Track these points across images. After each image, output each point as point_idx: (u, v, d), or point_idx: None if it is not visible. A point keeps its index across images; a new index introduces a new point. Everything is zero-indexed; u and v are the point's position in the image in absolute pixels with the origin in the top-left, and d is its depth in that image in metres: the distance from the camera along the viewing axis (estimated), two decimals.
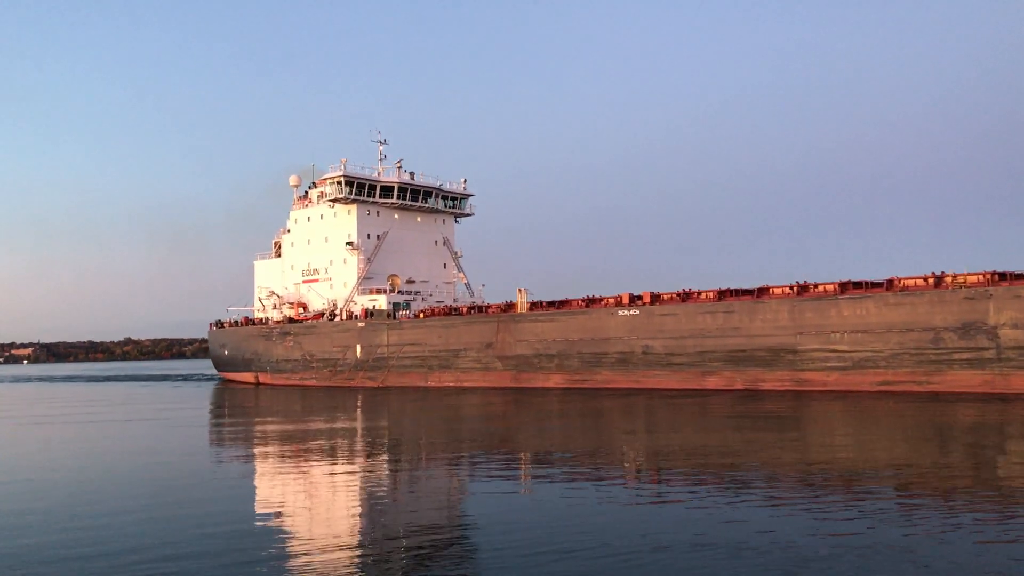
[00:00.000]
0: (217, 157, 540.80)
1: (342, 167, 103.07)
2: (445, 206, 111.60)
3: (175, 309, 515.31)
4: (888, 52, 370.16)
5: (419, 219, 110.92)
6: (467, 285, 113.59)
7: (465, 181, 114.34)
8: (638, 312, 74.83)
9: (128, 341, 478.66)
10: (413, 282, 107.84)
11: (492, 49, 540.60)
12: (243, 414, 63.01)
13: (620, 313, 75.98)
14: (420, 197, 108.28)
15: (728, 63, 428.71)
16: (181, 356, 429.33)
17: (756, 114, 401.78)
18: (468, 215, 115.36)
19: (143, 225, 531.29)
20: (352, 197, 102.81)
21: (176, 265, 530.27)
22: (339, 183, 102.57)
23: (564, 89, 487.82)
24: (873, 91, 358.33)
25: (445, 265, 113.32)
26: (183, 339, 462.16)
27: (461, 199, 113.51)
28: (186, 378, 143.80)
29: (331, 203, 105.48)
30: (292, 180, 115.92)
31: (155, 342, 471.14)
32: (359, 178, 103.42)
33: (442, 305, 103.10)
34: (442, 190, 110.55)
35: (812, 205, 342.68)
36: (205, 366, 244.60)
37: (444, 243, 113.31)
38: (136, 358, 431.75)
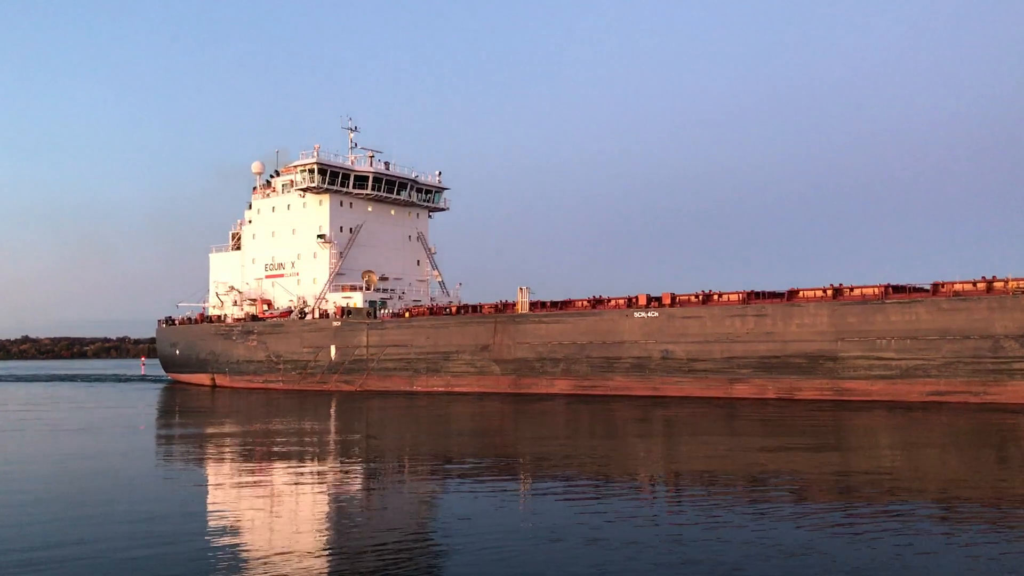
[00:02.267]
0: (138, 149, 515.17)
1: (315, 154, 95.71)
2: (419, 200, 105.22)
3: (79, 308, 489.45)
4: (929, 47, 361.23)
5: (393, 212, 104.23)
6: (442, 284, 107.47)
7: (440, 174, 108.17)
8: (657, 314, 70.35)
9: (26, 339, 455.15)
10: (387, 279, 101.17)
11: (479, 35, 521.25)
12: (207, 423, 55.84)
13: (636, 315, 71.36)
14: (395, 189, 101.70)
15: (731, 63, 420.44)
16: (82, 356, 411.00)
17: (747, 118, 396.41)
18: (443, 210, 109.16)
19: (49, 222, 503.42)
20: (325, 187, 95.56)
21: (82, 262, 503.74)
22: (311, 171, 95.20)
23: (543, 83, 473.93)
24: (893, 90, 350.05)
25: (419, 262, 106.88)
26: (84, 338, 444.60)
27: (436, 193, 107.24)
28: (116, 379, 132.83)
29: (301, 192, 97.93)
30: (255, 167, 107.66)
31: (55, 341, 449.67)
32: (333, 166, 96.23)
33: (421, 304, 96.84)
34: (417, 182, 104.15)
35: (803, 208, 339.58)
36: (111, 366, 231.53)
37: (418, 239, 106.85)
38: (33, 357, 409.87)
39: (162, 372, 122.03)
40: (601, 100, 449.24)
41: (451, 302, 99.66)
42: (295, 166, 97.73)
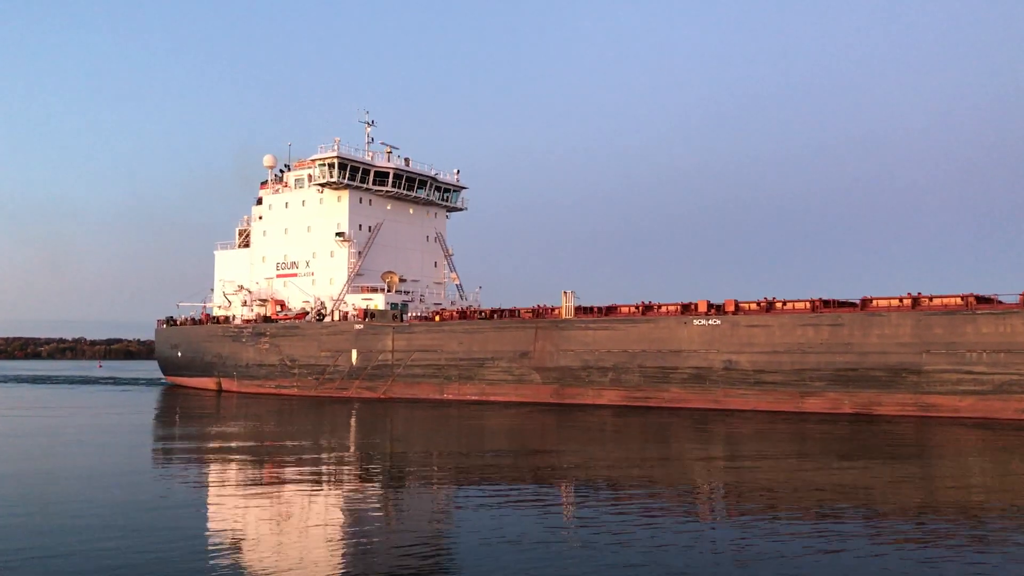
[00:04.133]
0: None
1: (335, 147, 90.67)
2: (438, 199, 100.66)
3: (34, 308, 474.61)
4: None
5: (411, 211, 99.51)
6: (459, 287, 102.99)
7: (458, 172, 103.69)
8: (719, 322, 66.74)
9: None
10: (404, 280, 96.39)
11: (494, 35, 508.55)
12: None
13: (696, 323, 67.69)
14: (415, 187, 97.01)
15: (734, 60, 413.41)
16: (36, 356, 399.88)
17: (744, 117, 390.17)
18: (460, 209, 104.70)
19: (9, 221, 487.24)
20: (345, 182, 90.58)
21: (40, 262, 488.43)
22: (330, 165, 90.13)
23: (549, 88, 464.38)
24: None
25: (436, 264, 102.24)
26: (39, 339, 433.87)
27: (454, 192, 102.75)
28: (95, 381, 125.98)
29: (319, 187, 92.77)
30: (267, 160, 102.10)
31: (8, 341, 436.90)
32: (353, 161, 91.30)
33: (443, 308, 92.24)
34: (437, 180, 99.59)
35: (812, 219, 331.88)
36: (68, 367, 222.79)
37: (436, 239, 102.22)
38: None
39: (159, 375, 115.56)
40: (608, 99, 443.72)
41: (471, 306, 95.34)
42: (313, 160, 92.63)
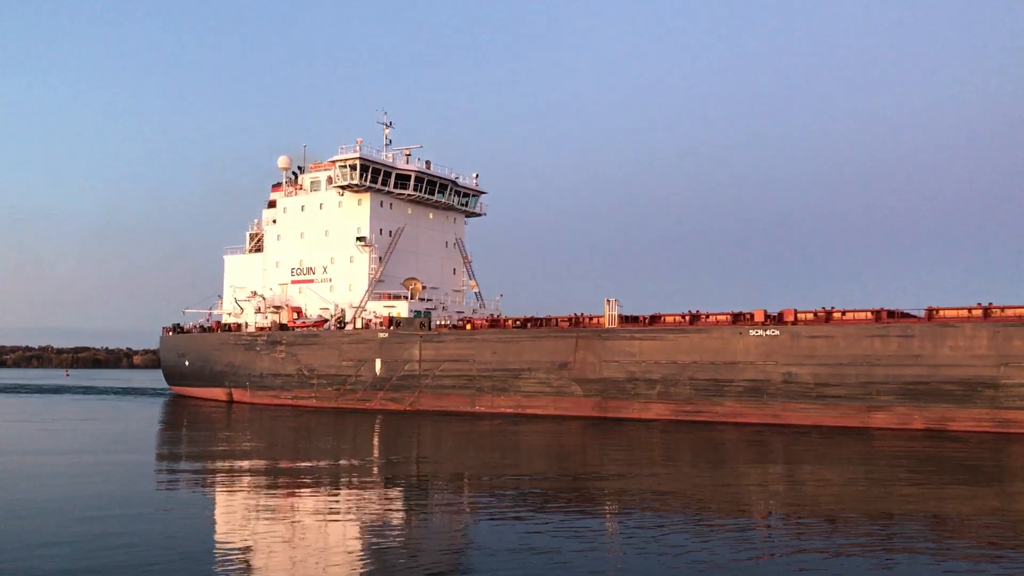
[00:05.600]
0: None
1: (357, 148, 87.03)
2: (458, 203, 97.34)
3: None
4: None
5: (431, 216, 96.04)
6: (478, 294, 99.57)
7: (477, 176, 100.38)
8: (778, 332, 64.07)
9: None
10: (424, 288, 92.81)
11: (508, 39, 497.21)
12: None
13: (753, 333, 64.99)
14: (435, 190, 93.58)
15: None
16: (1, 365, 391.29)
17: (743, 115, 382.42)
18: (479, 215, 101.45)
19: None
20: (366, 185, 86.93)
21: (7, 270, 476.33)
22: (352, 167, 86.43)
23: (553, 92, 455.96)
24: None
25: (454, 271, 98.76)
26: (4, 347, 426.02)
27: (473, 196, 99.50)
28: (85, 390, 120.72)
29: (340, 190, 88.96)
30: (281, 161, 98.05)
31: None
32: (375, 163, 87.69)
33: (464, 317, 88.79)
34: (457, 184, 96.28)
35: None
36: (35, 376, 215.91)
37: (455, 245, 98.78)
38: None
39: (163, 384, 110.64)
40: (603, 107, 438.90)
41: (491, 315, 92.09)
42: (333, 161, 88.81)
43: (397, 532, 23.35)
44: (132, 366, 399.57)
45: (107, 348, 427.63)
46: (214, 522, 24.43)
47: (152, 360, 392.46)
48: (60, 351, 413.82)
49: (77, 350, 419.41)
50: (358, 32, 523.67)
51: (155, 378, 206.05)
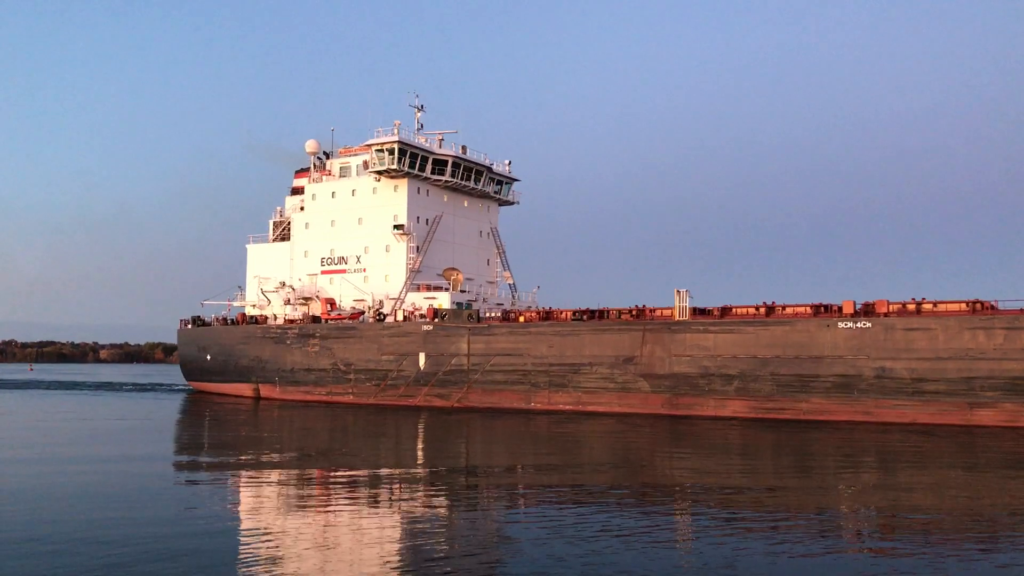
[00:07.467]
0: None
1: (395, 131, 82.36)
2: (492, 191, 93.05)
3: None
4: None
5: (466, 203, 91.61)
6: (512, 286, 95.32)
7: (510, 163, 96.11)
8: (869, 324, 60.84)
9: None
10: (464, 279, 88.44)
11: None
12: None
13: (841, 325, 61.68)
14: (471, 177, 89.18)
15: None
16: None
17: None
18: (512, 203, 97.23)
19: None
20: (404, 170, 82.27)
21: None
22: (390, 151, 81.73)
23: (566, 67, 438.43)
24: None
25: (488, 261, 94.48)
26: None
27: (506, 184, 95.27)
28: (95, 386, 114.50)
29: (376, 175, 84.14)
30: (309, 145, 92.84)
31: None
32: (414, 147, 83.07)
33: (505, 309, 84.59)
34: (492, 171, 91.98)
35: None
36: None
37: (490, 234, 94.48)
38: None
39: (181, 379, 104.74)
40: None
41: (530, 307, 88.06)
42: (368, 145, 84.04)
43: (439, 541, 21.09)
44: (99, 360, 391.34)
45: (72, 343, 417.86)
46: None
47: (118, 355, 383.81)
48: (24, 345, 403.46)
49: (41, 344, 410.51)
50: (387, 17, 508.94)
51: (134, 373, 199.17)
